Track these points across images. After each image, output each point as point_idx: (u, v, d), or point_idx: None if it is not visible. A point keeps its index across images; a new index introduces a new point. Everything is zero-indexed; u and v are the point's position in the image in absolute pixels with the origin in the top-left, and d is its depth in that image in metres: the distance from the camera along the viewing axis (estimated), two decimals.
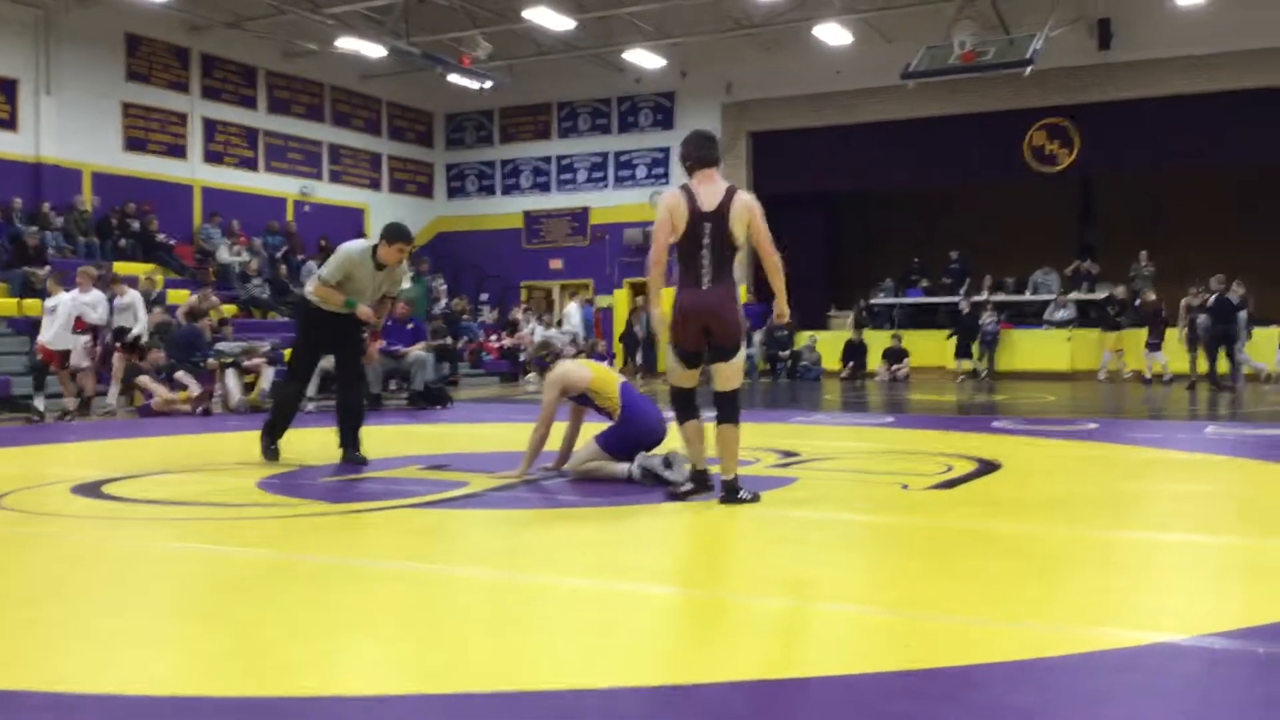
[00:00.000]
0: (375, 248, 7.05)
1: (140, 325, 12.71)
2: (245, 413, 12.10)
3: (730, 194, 5.26)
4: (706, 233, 5.21)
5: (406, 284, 19.35)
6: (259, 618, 3.31)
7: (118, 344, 12.47)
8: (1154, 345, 17.53)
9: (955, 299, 20.16)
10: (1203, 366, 15.64)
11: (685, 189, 5.27)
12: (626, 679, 2.67)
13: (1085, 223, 22.85)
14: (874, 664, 2.79)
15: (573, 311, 20.12)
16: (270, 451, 7.25)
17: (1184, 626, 3.06)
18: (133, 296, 12.92)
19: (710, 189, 5.26)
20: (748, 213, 5.29)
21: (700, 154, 5.34)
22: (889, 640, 3.04)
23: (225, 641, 3.07)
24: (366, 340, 7.40)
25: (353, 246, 7.18)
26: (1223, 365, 15.58)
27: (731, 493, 5.27)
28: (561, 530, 5.03)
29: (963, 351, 19.35)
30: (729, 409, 5.40)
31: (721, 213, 5.22)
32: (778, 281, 5.52)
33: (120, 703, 2.53)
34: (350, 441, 7.21)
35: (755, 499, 5.30)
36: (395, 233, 7.09)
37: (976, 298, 20.14)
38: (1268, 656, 2.77)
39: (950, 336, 19.60)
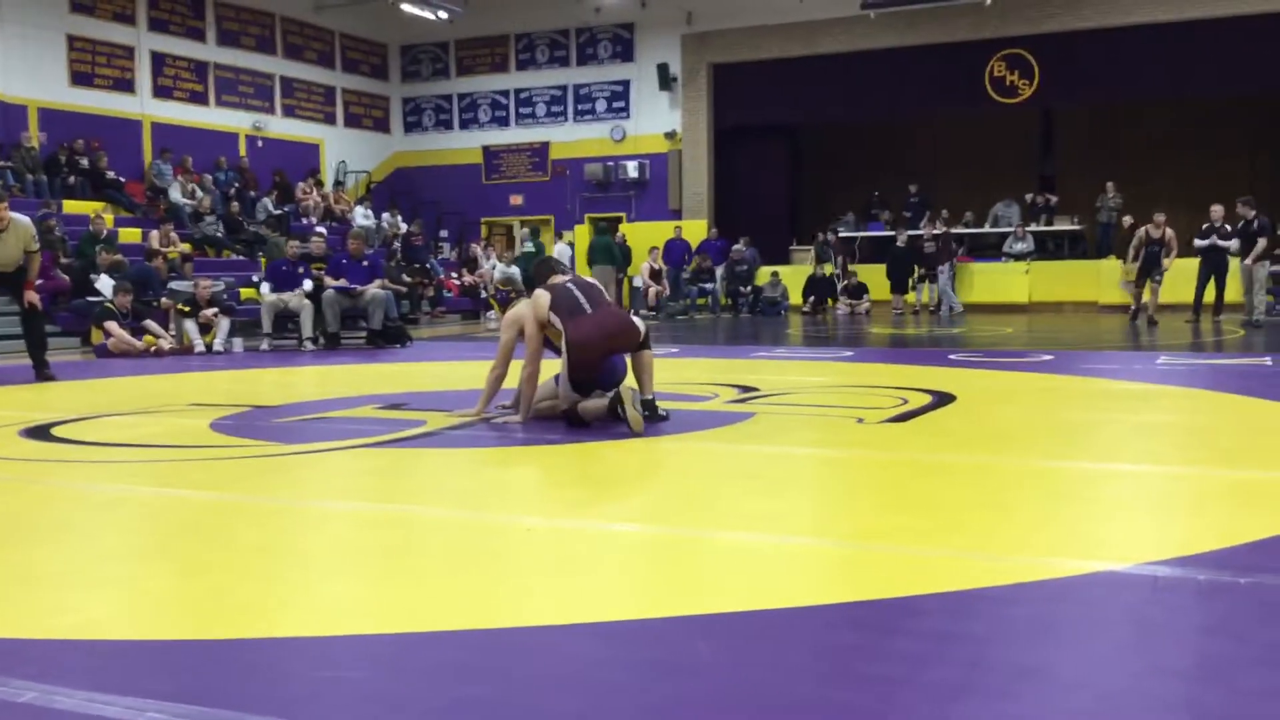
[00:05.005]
0: None
1: None
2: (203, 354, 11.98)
3: None
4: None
5: (525, 248, 19.56)
6: (210, 560, 3.29)
7: None
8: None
9: (919, 232, 20.00)
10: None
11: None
12: (580, 615, 2.68)
13: (1045, 155, 22.90)
14: (823, 596, 2.82)
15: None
16: None
17: (1127, 555, 3.11)
18: None
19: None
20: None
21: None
22: (838, 572, 3.07)
23: (175, 584, 3.05)
24: (25, 287, 8.99)
25: None
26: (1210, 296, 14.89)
27: (652, 408, 5.81)
28: (518, 468, 5.03)
29: (898, 286, 19.36)
30: (646, 341, 6.02)
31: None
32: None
33: (66, 647, 2.51)
34: (39, 361, 9.09)
35: (666, 418, 5.88)
36: None
37: (917, 231, 20.04)
38: (1208, 584, 2.82)
39: (919, 279, 19.53)
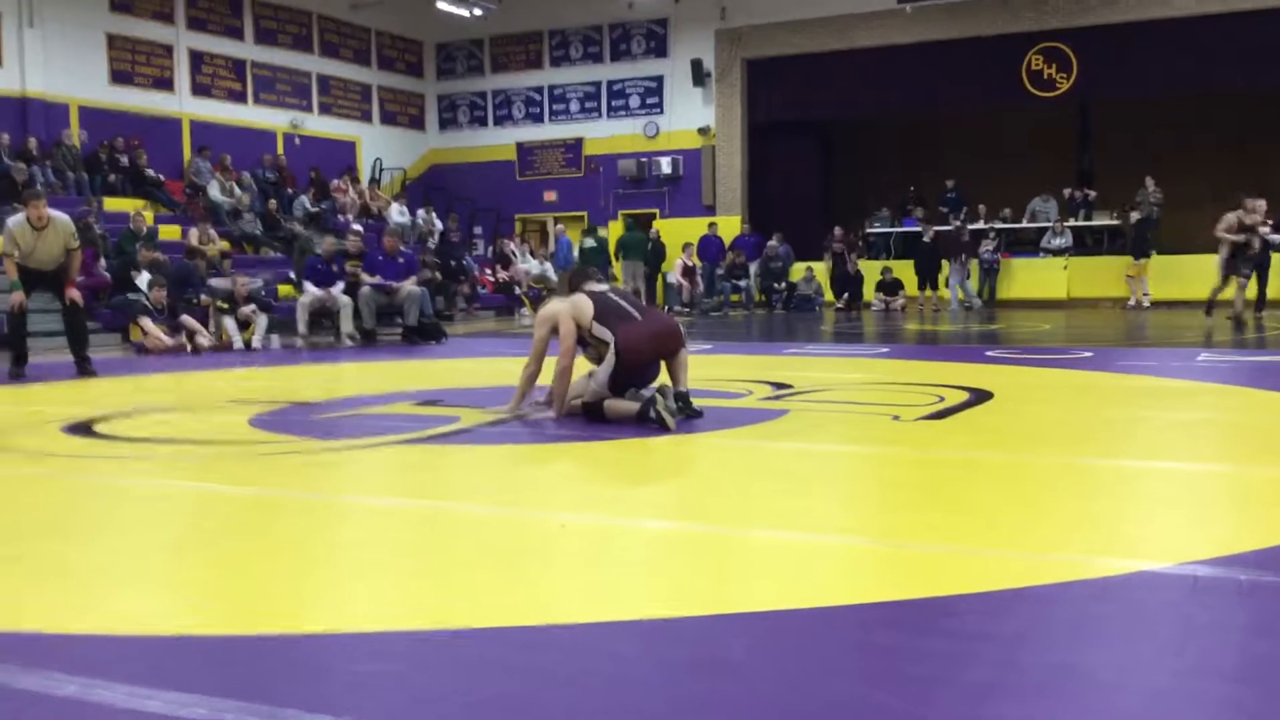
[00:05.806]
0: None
1: None
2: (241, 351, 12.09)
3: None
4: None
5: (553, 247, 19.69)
6: (249, 555, 3.32)
7: None
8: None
9: (948, 228, 19.87)
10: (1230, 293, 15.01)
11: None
12: (613, 613, 2.68)
13: (1083, 149, 22.65)
14: (859, 595, 2.80)
15: None
16: (15, 374, 8.98)
17: (1167, 554, 3.07)
18: None
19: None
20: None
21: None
22: (874, 571, 3.05)
23: (215, 579, 3.08)
24: (66, 285, 9.10)
25: (11, 218, 9.07)
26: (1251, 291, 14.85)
27: (687, 401, 5.84)
28: (552, 465, 5.04)
29: (926, 282, 19.18)
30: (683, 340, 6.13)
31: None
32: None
33: (107, 641, 2.54)
34: (81, 357, 9.22)
35: (700, 414, 5.86)
36: (27, 194, 9.09)
37: (945, 226, 19.85)
38: (1250, 584, 2.78)
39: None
